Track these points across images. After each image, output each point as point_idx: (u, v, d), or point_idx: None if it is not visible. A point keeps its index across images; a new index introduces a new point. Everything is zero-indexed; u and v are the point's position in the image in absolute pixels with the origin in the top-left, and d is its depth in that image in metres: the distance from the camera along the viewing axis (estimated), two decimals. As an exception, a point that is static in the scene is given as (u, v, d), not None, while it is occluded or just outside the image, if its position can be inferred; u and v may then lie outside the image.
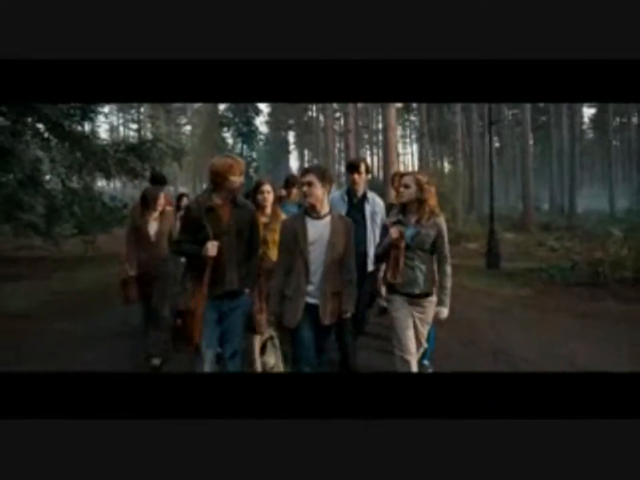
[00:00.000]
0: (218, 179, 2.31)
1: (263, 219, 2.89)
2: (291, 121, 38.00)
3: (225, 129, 30.78)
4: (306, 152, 39.72)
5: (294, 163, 41.54)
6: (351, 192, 3.32)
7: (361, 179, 3.25)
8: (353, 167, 3.30)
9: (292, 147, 42.13)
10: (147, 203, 3.56)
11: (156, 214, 3.58)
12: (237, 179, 2.34)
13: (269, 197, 2.97)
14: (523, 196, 16.74)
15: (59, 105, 6.61)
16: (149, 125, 31.93)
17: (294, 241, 2.26)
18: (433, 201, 2.38)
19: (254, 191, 2.99)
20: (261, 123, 34.88)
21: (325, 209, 2.32)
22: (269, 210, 2.97)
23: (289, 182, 3.94)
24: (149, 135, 29.25)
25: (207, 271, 2.28)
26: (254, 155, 31.66)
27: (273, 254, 2.88)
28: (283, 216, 2.98)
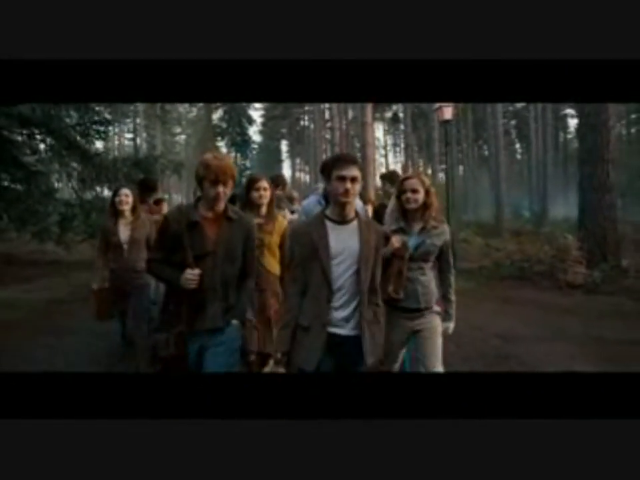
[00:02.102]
0: (198, 182, 1.87)
1: (257, 220, 2.54)
2: (284, 130, 39.24)
3: (219, 138, 31.93)
4: (298, 160, 40.94)
5: (286, 171, 42.70)
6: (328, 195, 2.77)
7: None
8: None
9: (284, 155, 43.38)
10: (115, 206, 3.18)
11: (127, 218, 3.18)
12: (210, 188, 1.81)
13: (266, 195, 2.66)
14: (496, 204, 17.96)
15: (76, 128, 7.73)
16: (144, 135, 32.83)
17: (312, 253, 1.73)
18: (437, 205, 2.19)
19: (247, 188, 2.69)
20: (254, 132, 36.12)
21: (353, 211, 1.83)
22: (264, 209, 2.68)
23: (275, 182, 3.72)
24: (145, 145, 30.37)
25: (184, 307, 1.83)
26: (247, 163, 32.86)
27: (268, 262, 2.60)
28: (279, 217, 2.79)
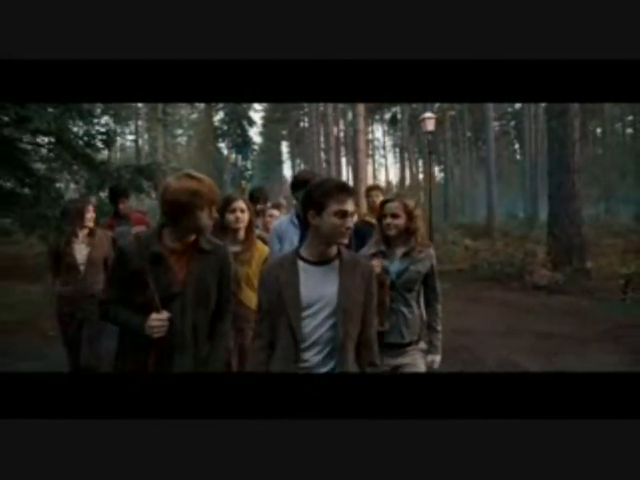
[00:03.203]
0: (176, 212, 1.54)
1: (234, 248, 2.21)
2: (284, 132, 39.79)
3: (220, 139, 32.55)
4: (298, 161, 41.48)
5: (287, 172, 43.30)
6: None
7: None
8: (305, 183, 2.47)
9: (285, 156, 43.97)
10: (70, 220, 2.78)
11: (84, 235, 2.79)
12: (204, 216, 1.56)
13: (243, 218, 2.34)
14: (487, 206, 18.43)
15: (84, 138, 8.33)
16: (145, 137, 33.45)
17: (279, 302, 1.44)
18: (422, 230, 2.08)
19: (223, 209, 2.33)
20: (254, 134, 36.72)
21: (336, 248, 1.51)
22: (242, 235, 2.36)
23: (254, 197, 3.43)
24: (146, 147, 31.00)
25: (152, 356, 1.57)
26: (248, 165, 33.56)
27: (246, 296, 2.29)
28: (259, 244, 2.44)
